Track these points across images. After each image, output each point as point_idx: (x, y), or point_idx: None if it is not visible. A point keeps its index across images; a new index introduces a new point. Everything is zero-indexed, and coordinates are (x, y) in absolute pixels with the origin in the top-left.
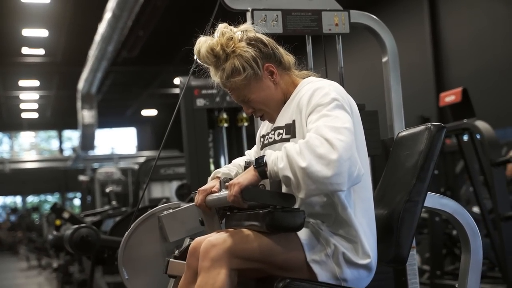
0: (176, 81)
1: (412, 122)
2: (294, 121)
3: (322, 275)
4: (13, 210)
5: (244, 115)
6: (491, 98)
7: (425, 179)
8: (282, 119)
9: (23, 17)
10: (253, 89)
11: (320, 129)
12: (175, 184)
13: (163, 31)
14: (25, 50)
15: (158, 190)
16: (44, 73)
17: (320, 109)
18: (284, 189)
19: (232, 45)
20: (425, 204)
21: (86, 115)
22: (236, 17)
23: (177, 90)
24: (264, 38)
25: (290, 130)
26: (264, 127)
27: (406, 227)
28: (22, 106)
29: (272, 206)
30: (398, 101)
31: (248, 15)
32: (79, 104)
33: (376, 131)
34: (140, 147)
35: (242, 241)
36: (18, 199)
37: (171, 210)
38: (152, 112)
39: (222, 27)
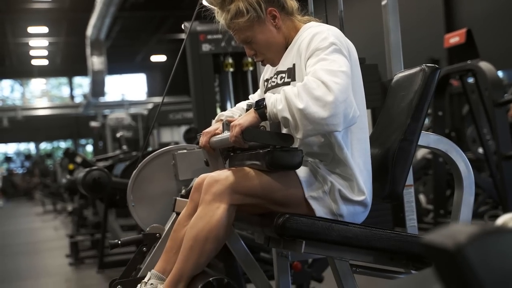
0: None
1: (422, 64)
2: (294, 64)
3: (319, 210)
4: (27, 156)
5: (250, 59)
6: (502, 39)
7: (419, 118)
8: (285, 63)
9: None
10: (256, 31)
11: (317, 72)
12: (183, 129)
13: None
14: None
15: (167, 135)
16: (53, 19)
17: (318, 53)
18: (283, 130)
19: None
20: (419, 143)
21: (96, 62)
22: None
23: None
24: None
25: (291, 73)
26: (267, 71)
27: (401, 165)
28: (32, 53)
29: (271, 146)
30: (397, 44)
31: None
32: (88, 50)
33: (376, 83)
34: (150, 93)
35: (244, 178)
36: (31, 146)
37: (185, 151)
38: (162, 58)
39: None
